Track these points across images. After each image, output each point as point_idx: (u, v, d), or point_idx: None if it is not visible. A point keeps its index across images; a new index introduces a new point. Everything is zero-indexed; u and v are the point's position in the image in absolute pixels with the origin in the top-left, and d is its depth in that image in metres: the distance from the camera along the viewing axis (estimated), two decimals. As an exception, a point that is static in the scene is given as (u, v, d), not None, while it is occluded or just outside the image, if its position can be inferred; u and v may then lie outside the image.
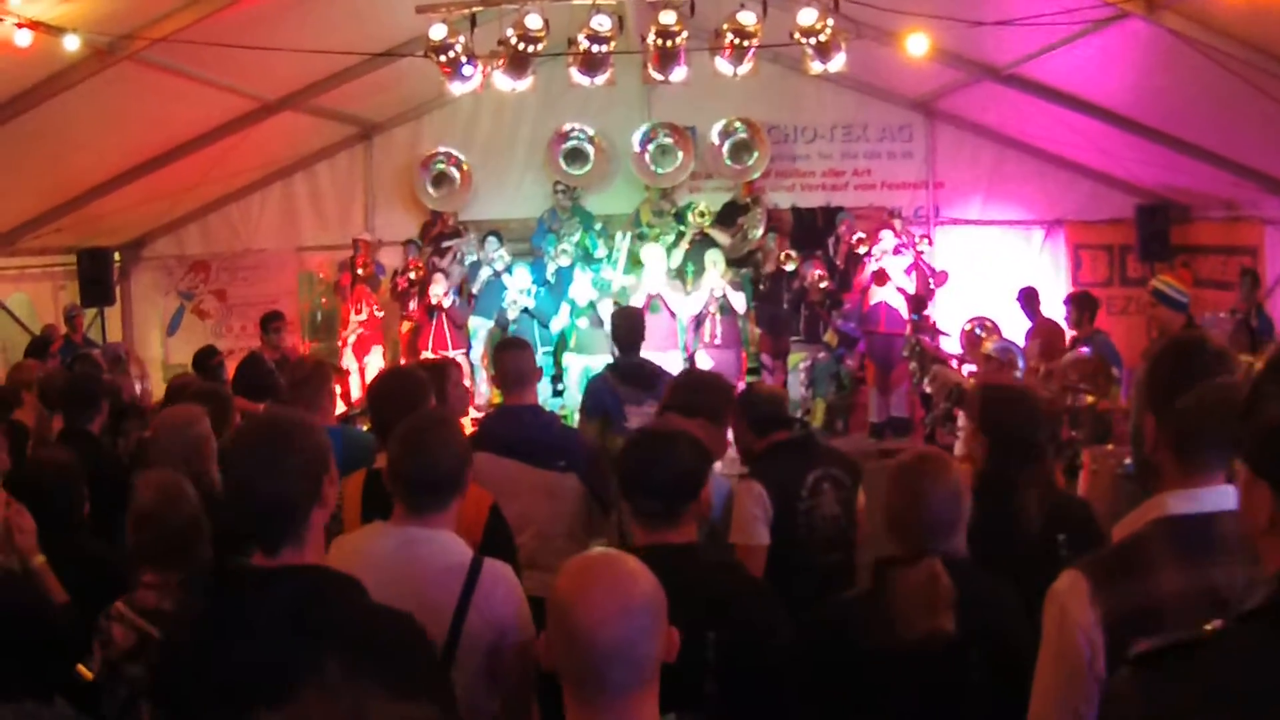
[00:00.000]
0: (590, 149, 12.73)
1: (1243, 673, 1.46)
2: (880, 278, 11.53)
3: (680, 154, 12.67)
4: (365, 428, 6.36)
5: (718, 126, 12.52)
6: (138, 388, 8.86)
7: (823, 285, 11.58)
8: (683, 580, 2.53)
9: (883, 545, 3.15)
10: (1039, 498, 3.64)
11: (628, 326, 6.65)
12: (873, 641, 2.83)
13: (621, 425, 5.85)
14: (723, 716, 2.78)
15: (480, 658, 2.93)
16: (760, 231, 12.48)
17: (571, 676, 1.97)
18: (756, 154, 12.58)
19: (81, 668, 3.50)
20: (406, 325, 12.35)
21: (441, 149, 12.75)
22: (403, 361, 11.44)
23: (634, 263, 12.12)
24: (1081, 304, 9.59)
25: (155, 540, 3.46)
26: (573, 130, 12.67)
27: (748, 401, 4.61)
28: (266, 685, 2.23)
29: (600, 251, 12.26)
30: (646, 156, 12.64)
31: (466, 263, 12.53)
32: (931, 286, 11.81)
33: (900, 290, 11.61)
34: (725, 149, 12.59)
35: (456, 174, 12.79)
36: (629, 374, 6.27)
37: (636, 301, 11.25)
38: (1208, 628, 1.55)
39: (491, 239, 12.30)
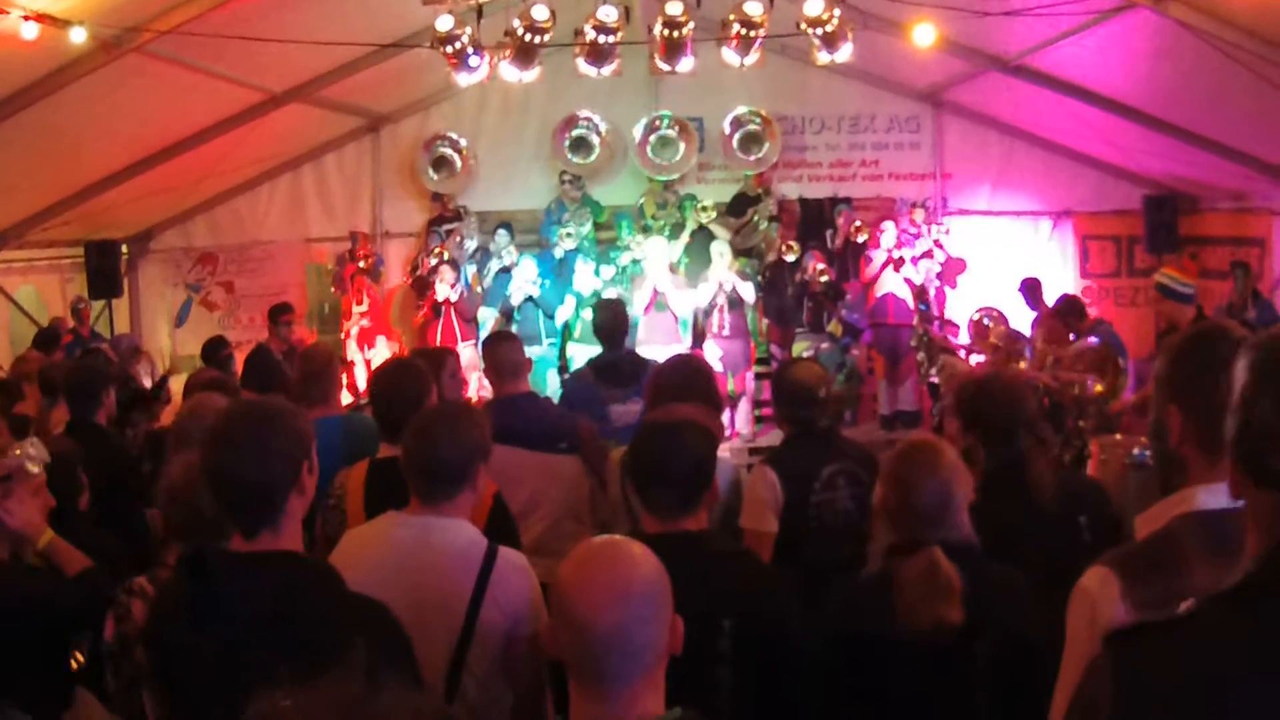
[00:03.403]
0: (595, 138, 12.58)
1: (1207, 654, 1.48)
2: (897, 265, 11.52)
3: (683, 146, 12.60)
4: (373, 417, 6.37)
5: (730, 116, 12.42)
6: (147, 382, 8.87)
7: (823, 278, 11.57)
8: (697, 568, 2.54)
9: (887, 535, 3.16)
10: (1051, 476, 3.64)
11: (610, 320, 6.19)
12: (882, 628, 2.83)
13: (608, 425, 5.67)
14: (736, 704, 2.77)
15: (495, 646, 2.93)
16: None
17: (572, 664, 1.95)
18: (768, 145, 12.48)
19: (77, 654, 3.51)
20: (421, 315, 12.27)
21: (443, 133, 12.64)
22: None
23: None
24: (1065, 312, 9.44)
25: (188, 517, 3.48)
26: (580, 119, 12.54)
27: (780, 384, 4.56)
28: (247, 669, 2.26)
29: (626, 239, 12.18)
30: (648, 148, 12.56)
31: (467, 247, 12.44)
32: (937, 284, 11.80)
33: (907, 281, 11.59)
34: (736, 140, 12.51)
35: (456, 157, 12.65)
36: (607, 371, 5.94)
37: (641, 297, 11.20)
38: (1181, 608, 1.57)
39: (502, 232, 12.19)
